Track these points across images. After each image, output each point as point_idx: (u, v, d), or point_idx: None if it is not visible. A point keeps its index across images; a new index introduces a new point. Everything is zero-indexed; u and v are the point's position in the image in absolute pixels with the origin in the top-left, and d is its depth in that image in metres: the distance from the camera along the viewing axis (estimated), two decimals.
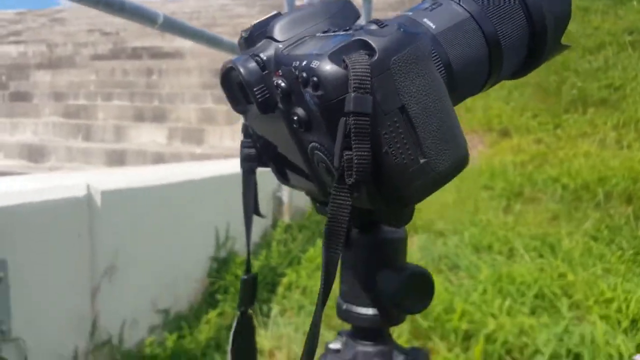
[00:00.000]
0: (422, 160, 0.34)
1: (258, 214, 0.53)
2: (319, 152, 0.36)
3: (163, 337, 1.92)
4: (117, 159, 4.42)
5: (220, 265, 2.47)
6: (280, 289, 2.47)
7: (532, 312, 1.86)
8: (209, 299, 2.31)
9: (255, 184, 0.52)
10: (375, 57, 0.34)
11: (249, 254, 0.53)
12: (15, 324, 1.32)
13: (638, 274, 2.10)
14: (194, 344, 1.93)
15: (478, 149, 4.51)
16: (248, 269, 0.54)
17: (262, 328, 2.05)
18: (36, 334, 1.39)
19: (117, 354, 1.70)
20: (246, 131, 0.51)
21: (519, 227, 2.81)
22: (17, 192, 1.38)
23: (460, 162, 0.36)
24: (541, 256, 2.37)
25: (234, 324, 0.54)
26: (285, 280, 2.52)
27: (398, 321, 0.48)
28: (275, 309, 2.19)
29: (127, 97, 5.63)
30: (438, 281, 2.08)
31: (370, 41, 0.35)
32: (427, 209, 3.49)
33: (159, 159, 4.45)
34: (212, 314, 2.15)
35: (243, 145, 0.51)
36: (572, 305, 1.88)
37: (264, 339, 1.99)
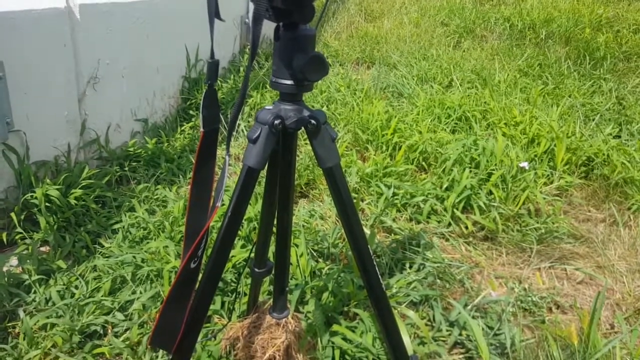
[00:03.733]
0: None
1: (218, 17, 0.74)
2: None
3: (143, 142, 2.21)
4: None
5: (192, 85, 2.68)
6: (246, 109, 2.74)
7: (453, 131, 2.22)
8: (183, 114, 2.57)
9: None
10: None
11: (212, 42, 0.76)
12: (17, 119, 1.54)
13: (550, 104, 2.43)
14: (171, 148, 2.23)
15: None
16: (212, 55, 0.77)
17: (233, 139, 2.34)
18: (34, 129, 1.61)
19: (104, 151, 1.98)
20: None
21: (463, 62, 3.06)
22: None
23: None
24: (474, 87, 2.67)
25: (203, 95, 0.80)
26: (251, 101, 2.78)
27: (306, 89, 0.77)
28: (242, 125, 2.47)
29: None
30: (381, 105, 2.39)
31: None
32: (387, 43, 3.67)
33: None
34: (186, 126, 2.43)
35: None
36: (487, 126, 2.24)
37: (231, 148, 2.30)
